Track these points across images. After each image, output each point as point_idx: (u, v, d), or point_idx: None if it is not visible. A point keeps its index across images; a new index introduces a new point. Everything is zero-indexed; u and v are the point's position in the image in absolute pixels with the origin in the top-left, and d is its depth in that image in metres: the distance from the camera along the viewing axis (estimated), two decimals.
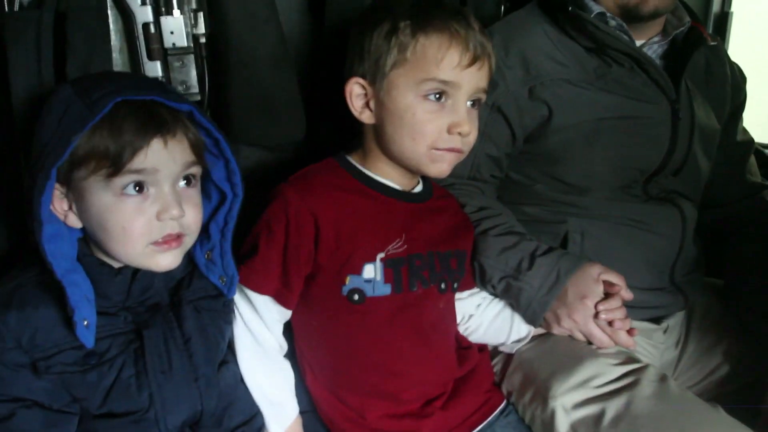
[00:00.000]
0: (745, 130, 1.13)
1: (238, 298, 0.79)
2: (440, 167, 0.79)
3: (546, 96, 0.94)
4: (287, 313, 0.82)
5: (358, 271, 0.78)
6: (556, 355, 0.87)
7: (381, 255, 0.79)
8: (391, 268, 0.79)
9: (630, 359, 0.84)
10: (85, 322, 0.65)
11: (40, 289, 0.67)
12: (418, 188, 0.87)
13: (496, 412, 0.87)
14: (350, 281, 0.78)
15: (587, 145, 0.94)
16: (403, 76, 0.76)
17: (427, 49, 0.75)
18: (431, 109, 0.76)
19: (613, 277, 0.85)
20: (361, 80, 0.79)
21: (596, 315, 0.84)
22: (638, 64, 0.95)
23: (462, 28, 0.75)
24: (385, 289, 0.79)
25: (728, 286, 1.08)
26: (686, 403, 0.76)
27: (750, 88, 1.12)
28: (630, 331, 0.85)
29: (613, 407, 0.76)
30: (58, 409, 0.67)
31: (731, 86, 1.07)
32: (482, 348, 0.94)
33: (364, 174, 0.83)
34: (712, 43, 0.98)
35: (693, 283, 1.02)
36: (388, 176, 0.83)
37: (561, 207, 0.97)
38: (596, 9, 0.95)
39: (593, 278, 0.85)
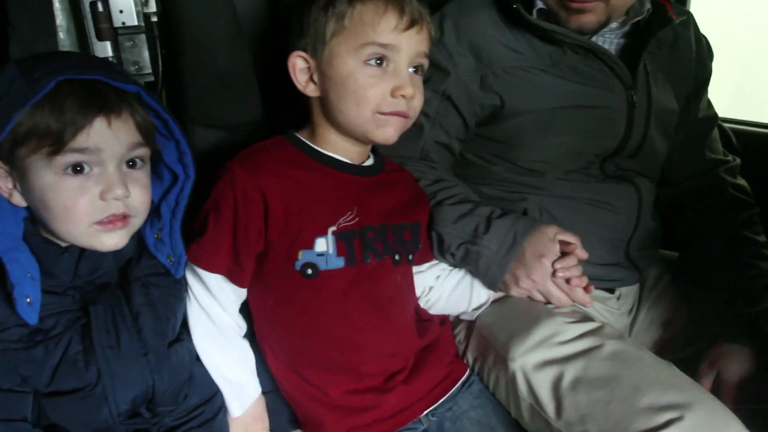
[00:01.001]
0: (709, 106, 1.13)
1: (190, 278, 0.79)
2: (386, 132, 0.80)
3: (497, 86, 0.94)
4: (242, 293, 0.82)
5: (310, 246, 0.78)
6: (513, 317, 0.89)
7: (332, 228, 0.79)
8: (343, 241, 0.80)
9: (586, 318, 0.87)
10: (28, 300, 0.65)
11: None
12: (369, 161, 0.87)
13: (458, 384, 0.89)
14: (302, 256, 0.78)
15: (541, 132, 0.95)
16: (343, 44, 0.77)
17: (363, 14, 0.76)
18: (373, 74, 0.77)
19: (569, 237, 0.87)
20: (303, 53, 0.80)
21: (554, 273, 0.87)
22: (593, 52, 0.96)
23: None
24: (339, 262, 0.79)
25: (679, 258, 1.12)
26: (642, 362, 0.78)
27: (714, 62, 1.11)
28: (586, 288, 0.88)
29: (572, 367, 0.79)
30: (8, 388, 0.68)
31: (696, 62, 1.06)
32: (443, 321, 0.95)
33: (312, 149, 0.83)
34: (681, 18, 0.98)
35: (647, 258, 1.05)
36: (338, 150, 0.84)
37: (519, 187, 0.99)
38: (539, 3, 0.94)
39: (549, 238, 0.87)
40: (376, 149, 0.90)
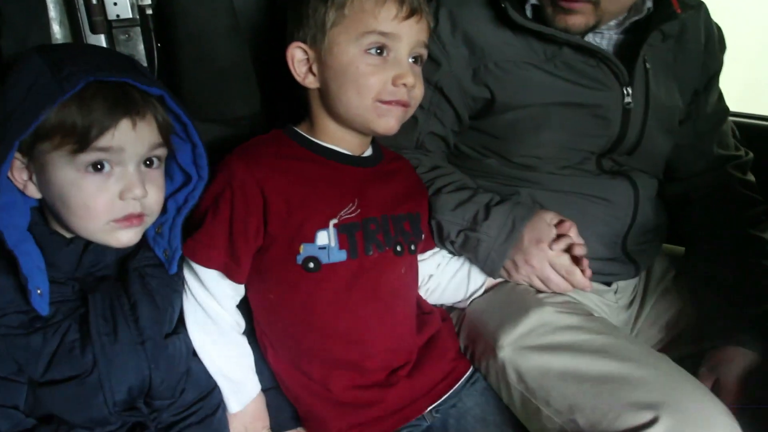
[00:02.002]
0: (719, 100, 1.09)
1: (187, 273, 0.79)
2: (388, 122, 0.80)
3: (489, 80, 0.94)
4: (239, 288, 0.81)
5: (311, 239, 0.78)
6: (503, 306, 0.89)
7: (334, 221, 0.79)
8: (345, 233, 0.79)
9: (579, 310, 0.87)
10: (39, 291, 0.66)
11: None
12: (368, 152, 0.87)
13: (462, 381, 0.88)
14: (304, 249, 0.78)
15: (533, 128, 0.95)
16: (344, 33, 0.77)
17: (364, 3, 0.77)
18: (374, 62, 0.77)
19: (566, 222, 0.88)
20: (301, 44, 0.80)
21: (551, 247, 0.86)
22: (588, 49, 0.94)
23: None
24: (341, 255, 0.79)
25: (685, 255, 1.11)
26: (633, 355, 0.78)
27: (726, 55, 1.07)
28: (584, 272, 0.88)
29: (561, 357, 0.79)
30: (3, 377, 0.68)
31: (705, 54, 1.03)
32: (445, 317, 0.95)
33: (311, 141, 0.83)
34: (688, 11, 0.96)
35: (646, 253, 1.04)
36: (337, 142, 0.83)
37: (512, 180, 0.98)
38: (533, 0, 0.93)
39: (547, 223, 0.88)
40: (374, 139, 0.89)
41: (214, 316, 0.79)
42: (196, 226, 0.78)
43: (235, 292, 0.81)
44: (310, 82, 0.81)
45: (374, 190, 0.83)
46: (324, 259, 0.78)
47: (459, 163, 1.02)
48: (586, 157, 0.98)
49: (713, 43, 1.05)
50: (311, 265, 0.78)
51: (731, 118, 1.14)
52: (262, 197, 0.76)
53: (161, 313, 0.75)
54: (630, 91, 0.95)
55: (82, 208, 0.67)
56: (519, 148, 0.96)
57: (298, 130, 0.84)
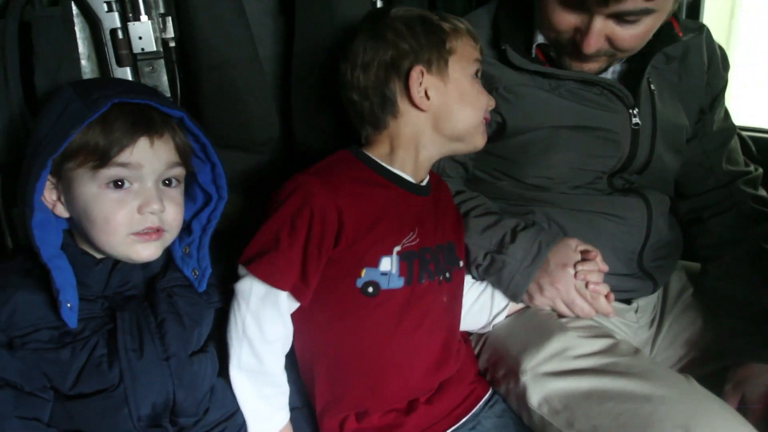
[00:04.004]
0: (726, 117, 1.12)
1: (248, 293, 0.77)
2: (485, 138, 0.90)
3: (500, 104, 0.96)
4: (294, 307, 0.81)
5: (375, 264, 0.80)
6: (526, 331, 0.90)
7: (397, 248, 0.81)
8: (405, 261, 0.82)
9: (602, 333, 0.88)
10: (69, 305, 0.70)
11: (22, 274, 0.73)
12: (425, 180, 0.90)
13: (480, 404, 0.89)
14: (366, 274, 0.80)
15: (544, 150, 0.97)
16: (461, 61, 0.86)
17: (464, 37, 0.87)
18: (480, 84, 0.89)
19: (590, 248, 0.91)
20: (422, 68, 0.84)
21: (575, 275, 0.89)
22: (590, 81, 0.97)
23: (464, 25, 0.89)
24: (399, 282, 0.81)
25: (701, 272, 1.11)
26: (656, 375, 0.79)
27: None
28: (607, 297, 0.90)
29: (583, 381, 0.79)
30: (30, 392, 0.70)
31: (709, 75, 1.06)
32: (466, 339, 0.95)
33: (381, 166, 0.85)
34: (690, 35, 0.99)
35: (663, 269, 1.05)
36: (409, 169, 0.86)
37: (526, 201, 1.00)
38: (540, 39, 0.97)
39: (572, 248, 0.91)
40: None
41: (269, 335, 0.78)
42: (268, 247, 0.77)
43: (290, 311, 0.81)
44: (427, 105, 0.85)
45: (430, 220, 0.87)
46: (384, 284, 0.80)
47: (473, 187, 1.05)
48: (597, 176, 1.00)
49: (716, 63, 1.07)
50: (370, 289, 0.80)
51: (747, 133, 1.15)
52: (339, 222, 0.78)
53: (187, 331, 0.77)
54: (636, 112, 0.98)
55: (103, 221, 0.72)
56: (531, 170, 0.99)
57: (368, 154, 0.86)
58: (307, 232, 0.77)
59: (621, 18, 0.85)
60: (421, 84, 0.84)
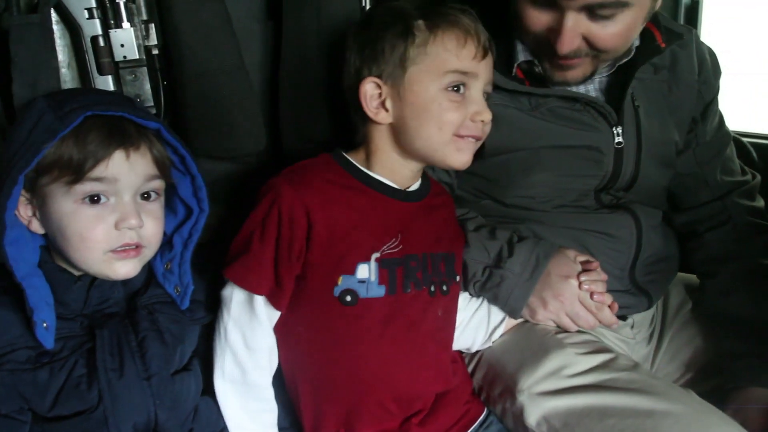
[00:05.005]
0: (720, 125, 1.09)
1: (228, 299, 0.78)
2: (463, 156, 0.83)
3: None
4: (275, 317, 0.80)
5: (351, 271, 0.78)
6: (523, 348, 0.88)
7: (376, 255, 0.79)
8: (386, 268, 0.80)
9: (600, 349, 0.86)
10: (45, 324, 0.69)
11: None
12: (415, 185, 0.87)
13: (475, 425, 0.87)
14: (342, 281, 0.78)
15: (524, 171, 0.96)
16: (425, 71, 0.80)
17: (446, 43, 0.80)
18: (455, 99, 0.80)
19: (589, 258, 0.90)
20: (376, 80, 0.81)
21: (579, 286, 0.88)
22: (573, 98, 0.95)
23: (472, 23, 0.81)
24: (379, 291, 0.79)
25: (699, 288, 1.09)
26: (657, 389, 0.78)
27: (724, 77, 1.08)
28: (611, 307, 0.88)
29: (583, 398, 0.78)
30: (6, 414, 0.69)
31: (699, 82, 1.04)
32: (456, 359, 0.93)
33: (361, 171, 0.84)
34: (676, 42, 0.97)
35: (658, 283, 1.03)
36: (389, 175, 0.84)
37: (510, 219, 0.99)
38: (522, 57, 0.94)
39: (571, 259, 0.90)
40: (424, 172, 0.90)
41: (252, 344, 0.78)
42: (240, 251, 0.78)
43: (270, 321, 0.80)
44: (383, 117, 0.82)
45: (417, 227, 0.84)
46: (362, 293, 0.79)
47: (456, 206, 1.02)
48: (582, 194, 0.98)
49: (707, 70, 1.05)
50: (348, 298, 0.78)
51: (747, 139, 1.13)
52: (308, 222, 0.77)
53: (169, 349, 0.76)
54: (620, 131, 0.96)
55: (79, 238, 0.70)
56: (511, 190, 0.97)
57: (350, 159, 0.85)
58: (277, 233, 0.76)
59: (593, 13, 0.83)
60: (380, 95, 0.81)
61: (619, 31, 0.86)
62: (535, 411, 0.80)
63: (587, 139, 0.96)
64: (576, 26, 0.84)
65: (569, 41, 0.85)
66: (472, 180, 1.00)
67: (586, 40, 0.86)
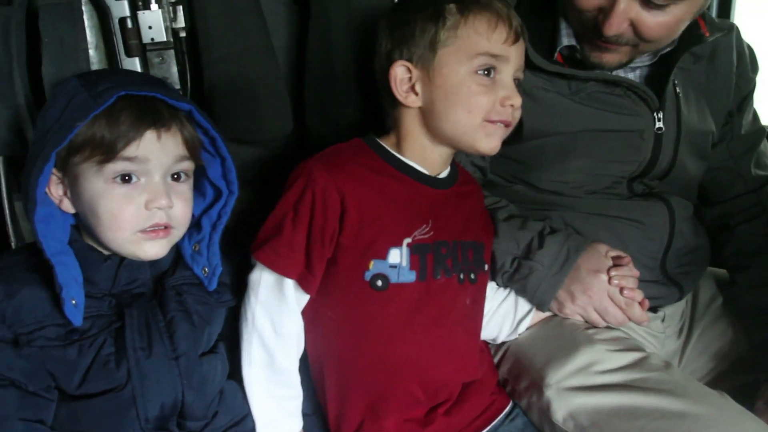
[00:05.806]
0: (755, 120, 1.10)
1: (257, 283, 0.78)
2: (492, 141, 0.81)
3: None
4: (303, 301, 0.80)
5: (383, 256, 0.78)
6: (551, 342, 0.87)
7: (408, 240, 0.79)
8: (417, 254, 0.79)
9: (630, 347, 0.85)
10: (74, 301, 0.69)
11: (27, 269, 0.72)
12: (445, 173, 0.87)
13: (500, 416, 0.87)
14: (374, 266, 0.78)
15: (561, 155, 0.95)
16: (454, 54, 0.79)
17: (477, 25, 0.79)
18: (484, 83, 0.79)
19: (621, 253, 0.88)
20: (406, 63, 0.81)
21: (609, 281, 0.86)
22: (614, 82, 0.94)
23: (504, 7, 0.81)
24: (410, 276, 0.79)
25: (729, 282, 1.08)
26: (689, 391, 0.76)
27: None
28: (641, 304, 0.87)
29: (612, 397, 0.77)
30: (34, 391, 0.70)
31: (737, 75, 1.04)
32: (483, 349, 0.93)
33: (393, 156, 0.84)
34: (718, 35, 0.96)
35: (690, 275, 1.02)
36: (420, 161, 0.84)
37: (542, 205, 0.98)
38: (565, 41, 0.94)
39: (602, 254, 0.88)
40: (453, 159, 0.89)
41: (280, 326, 0.77)
42: (271, 234, 0.77)
43: (299, 305, 0.79)
44: (413, 101, 0.82)
45: (447, 214, 0.84)
46: (393, 278, 0.78)
47: (487, 192, 1.02)
48: (615, 181, 0.98)
49: (745, 64, 1.05)
50: (379, 283, 0.78)
51: None
52: (341, 205, 0.77)
53: (197, 330, 0.76)
54: (661, 116, 0.95)
55: (110, 217, 0.70)
56: (546, 174, 0.97)
57: (383, 144, 0.85)
58: (310, 216, 0.76)
59: (648, 0, 0.82)
60: (410, 79, 0.81)
61: (667, 22, 0.85)
62: (562, 406, 0.79)
63: (628, 123, 0.95)
64: (627, 10, 0.84)
65: (617, 24, 0.84)
66: (506, 164, 0.99)
67: (633, 26, 0.86)
